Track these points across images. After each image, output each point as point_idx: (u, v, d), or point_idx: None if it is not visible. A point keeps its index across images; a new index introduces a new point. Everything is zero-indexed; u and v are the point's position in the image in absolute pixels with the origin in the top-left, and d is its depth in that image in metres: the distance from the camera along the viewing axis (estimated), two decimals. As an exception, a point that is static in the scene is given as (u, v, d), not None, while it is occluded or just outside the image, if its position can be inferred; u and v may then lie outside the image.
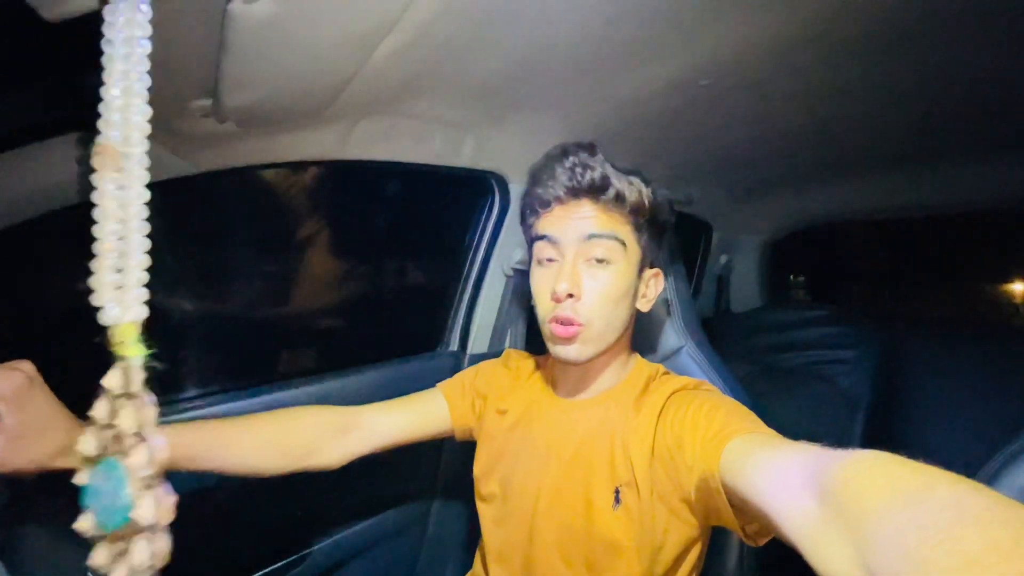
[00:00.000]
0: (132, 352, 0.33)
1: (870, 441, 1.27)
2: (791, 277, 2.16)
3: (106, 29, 0.31)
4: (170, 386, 0.95)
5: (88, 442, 0.34)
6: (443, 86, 0.77)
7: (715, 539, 0.72)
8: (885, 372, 1.34)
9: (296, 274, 1.16)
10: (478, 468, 0.81)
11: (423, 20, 0.55)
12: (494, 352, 1.15)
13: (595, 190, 0.66)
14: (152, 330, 0.34)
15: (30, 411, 0.47)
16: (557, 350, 0.67)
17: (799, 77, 0.83)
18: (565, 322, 0.65)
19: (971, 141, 1.13)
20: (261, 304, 1.13)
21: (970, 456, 0.65)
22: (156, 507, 0.34)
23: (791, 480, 0.41)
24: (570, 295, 0.64)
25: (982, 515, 0.28)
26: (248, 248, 1.11)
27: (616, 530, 0.64)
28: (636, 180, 0.68)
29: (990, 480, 0.57)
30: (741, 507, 0.52)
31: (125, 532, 0.34)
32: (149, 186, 0.35)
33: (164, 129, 0.65)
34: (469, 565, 0.85)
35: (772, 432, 0.55)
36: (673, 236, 0.79)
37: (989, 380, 1.24)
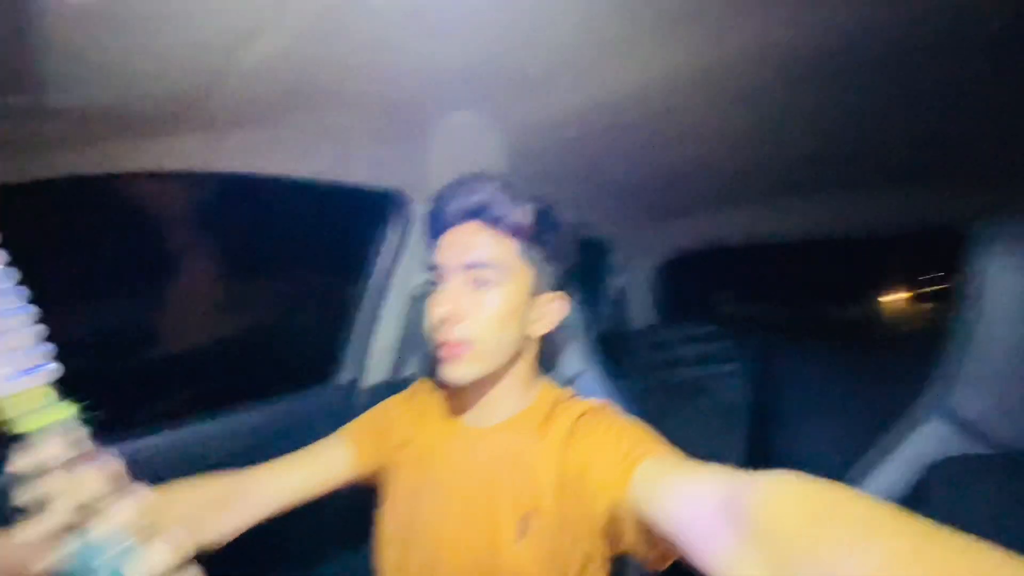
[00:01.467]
0: (58, 415, 0.30)
1: (752, 448, 1.38)
2: (712, 295, 2.33)
3: None
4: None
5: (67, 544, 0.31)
6: (328, 99, 0.71)
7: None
8: (762, 383, 1.47)
9: (163, 300, 1.01)
10: (380, 509, 0.75)
11: (298, 29, 0.50)
12: (397, 381, 1.09)
13: (479, 211, 0.67)
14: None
15: None
16: (443, 371, 0.66)
17: (689, 116, 0.89)
18: (450, 343, 0.64)
19: (841, 177, 1.28)
20: (120, 335, 0.96)
21: (837, 458, 0.73)
22: (154, 558, 0.32)
23: (704, 506, 0.42)
24: (450, 318, 0.64)
25: (884, 527, 0.32)
26: (105, 269, 0.95)
27: (523, 562, 0.62)
28: (522, 202, 0.68)
29: (853, 485, 0.63)
30: (648, 532, 0.51)
31: None
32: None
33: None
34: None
35: (679, 452, 0.56)
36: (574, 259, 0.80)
37: (852, 388, 1.40)
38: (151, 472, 0.73)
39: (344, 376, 1.06)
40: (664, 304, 2.08)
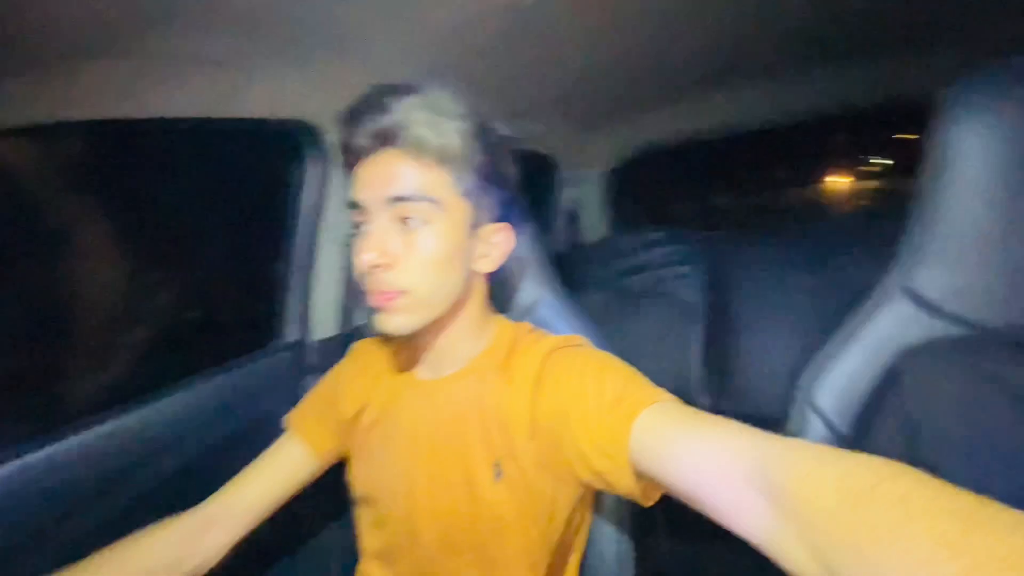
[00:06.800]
0: None
1: (708, 348, 1.42)
2: (663, 198, 2.30)
3: None
4: None
5: None
6: (197, 16, 0.57)
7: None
8: (716, 281, 1.50)
9: (62, 279, 0.87)
10: (349, 473, 0.72)
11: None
12: (347, 334, 1.01)
13: (395, 136, 0.56)
14: None
15: None
16: (378, 322, 0.59)
17: (612, 6, 0.78)
18: (383, 293, 0.57)
19: (786, 57, 1.22)
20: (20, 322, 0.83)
21: (791, 354, 0.73)
22: None
23: (732, 475, 0.40)
24: (379, 265, 0.56)
25: (928, 507, 0.29)
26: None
27: (500, 505, 0.60)
28: (451, 123, 0.57)
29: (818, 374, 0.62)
30: (644, 479, 0.50)
31: None
32: None
33: None
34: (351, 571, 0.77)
35: (675, 398, 0.52)
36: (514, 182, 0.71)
37: (806, 279, 1.43)
38: (106, 462, 0.69)
39: (288, 337, 0.98)
40: (617, 213, 2.05)
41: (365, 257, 0.56)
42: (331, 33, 0.72)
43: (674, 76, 1.26)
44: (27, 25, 0.48)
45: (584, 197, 1.95)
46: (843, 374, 0.60)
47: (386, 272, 0.56)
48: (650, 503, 0.53)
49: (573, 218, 1.95)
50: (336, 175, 0.95)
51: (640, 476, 0.50)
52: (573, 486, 0.60)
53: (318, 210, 0.96)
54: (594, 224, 2.01)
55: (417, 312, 0.59)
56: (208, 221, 1.02)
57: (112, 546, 0.61)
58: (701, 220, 2.33)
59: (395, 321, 0.58)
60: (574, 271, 1.75)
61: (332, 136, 0.91)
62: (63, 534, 0.65)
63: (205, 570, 0.66)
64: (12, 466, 0.61)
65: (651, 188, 2.29)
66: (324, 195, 0.95)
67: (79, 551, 0.59)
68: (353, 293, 1.03)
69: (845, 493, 0.32)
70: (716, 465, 0.42)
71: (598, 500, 0.76)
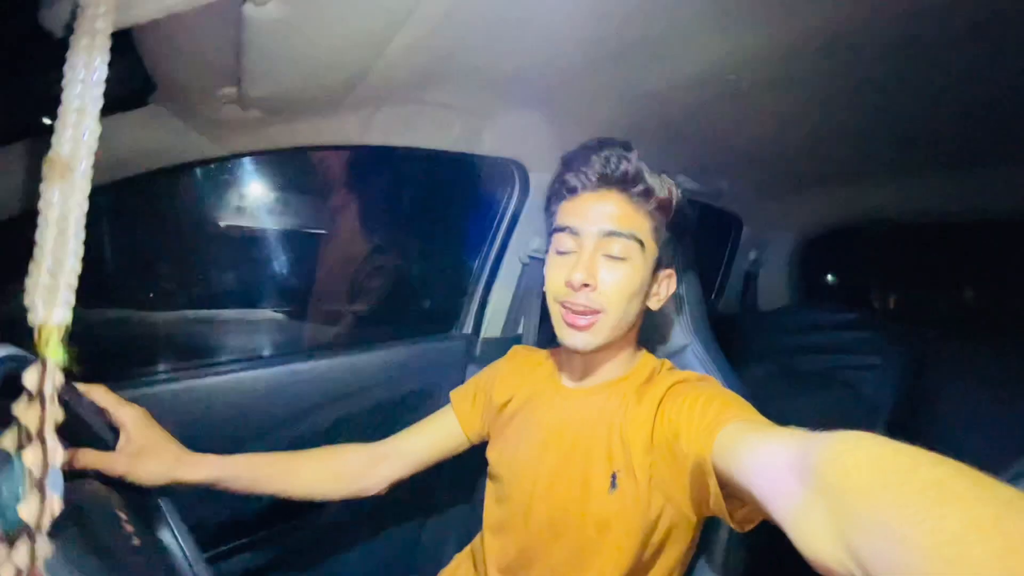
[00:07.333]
0: (52, 354, 0.33)
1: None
2: (826, 278, 2.08)
3: (69, 54, 0.33)
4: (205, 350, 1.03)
5: (7, 438, 0.34)
6: (460, 76, 0.78)
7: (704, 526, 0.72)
8: (910, 380, 1.29)
9: (321, 253, 1.22)
10: (489, 451, 0.84)
11: (435, 16, 0.56)
12: (507, 338, 1.18)
13: (626, 182, 0.67)
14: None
15: (145, 438, 0.62)
16: (566, 336, 0.68)
17: (831, 76, 0.80)
18: (580, 311, 0.66)
19: (1011, 144, 1.06)
20: (283, 281, 1.19)
21: (994, 469, 0.62)
22: (37, 509, 0.33)
23: (778, 462, 0.42)
24: (586, 285, 0.66)
25: (964, 494, 0.29)
26: (280, 227, 1.17)
27: (608, 512, 0.66)
28: (667, 179, 0.69)
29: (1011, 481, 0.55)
30: (731, 492, 0.52)
31: (18, 531, 0.34)
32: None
33: (195, 114, 0.69)
34: (469, 538, 0.90)
35: (766, 420, 0.55)
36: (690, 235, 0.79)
37: (1021, 392, 1.17)
38: (323, 386, 0.93)
39: (465, 330, 1.18)
40: (799, 286, 1.89)
41: (577, 276, 0.65)
42: (550, 95, 0.88)
43: (880, 155, 1.17)
44: (345, 84, 0.72)
45: (766, 261, 1.86)
46: None
47: (591, 292, 0.66)
48: (740, 527, 0.56)
49: (750, 280, 1.86)
50: (526, 208, 1.12)
51: (725, 486, 0.52)
52: (679, 508, 0.64)
53: (510, 233, 1.14)
54: (773, 291, 1.88)
55: (604, 333, 0.68)
56: (433, 229, 1.29)
57: (322, 448, 0.81)
58: (905, 311, 1.98)
59: (584, 339, 0.68)
60: (741, 334, 1.67)
61: (536, 174, 1.08)
62: (291, 428, 0.92)
63: (372, 492, 0.82)
64: (265, 372, 0.89)
65: (849, 265, 2.04)
66: (517, 221, 1.13)
67: (298, 444, 0.82)
68: (516, 307, 1.18)
69: (879, 474, 0.32)
70: (767, 455, 0.44)
71: (708, 550, 0.77)
